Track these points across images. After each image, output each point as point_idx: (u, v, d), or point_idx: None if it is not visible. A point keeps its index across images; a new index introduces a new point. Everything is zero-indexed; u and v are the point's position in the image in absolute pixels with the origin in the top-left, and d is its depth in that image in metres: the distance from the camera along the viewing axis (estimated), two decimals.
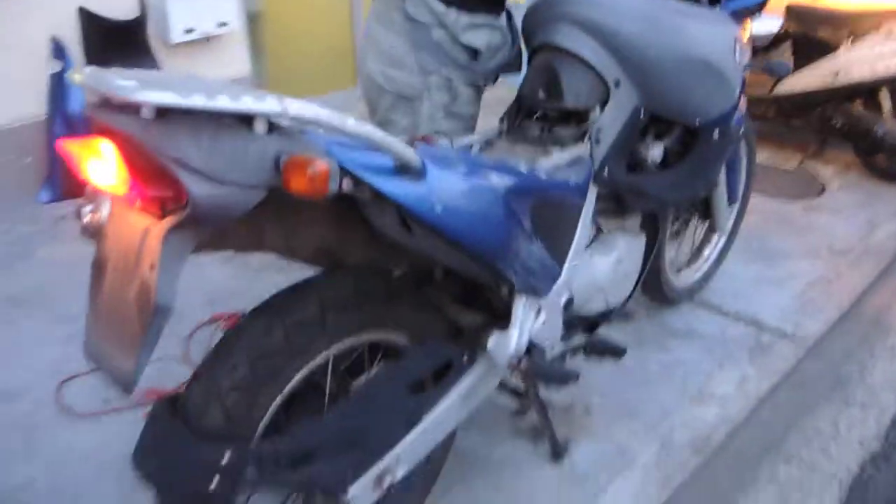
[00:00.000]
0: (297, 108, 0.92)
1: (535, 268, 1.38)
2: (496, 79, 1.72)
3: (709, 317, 2.34)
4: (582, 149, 1.49)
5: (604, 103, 1.52)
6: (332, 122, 0.94)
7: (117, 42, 3.09)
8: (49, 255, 2.68)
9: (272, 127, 0.93)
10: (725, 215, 2.28)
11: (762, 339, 2.22)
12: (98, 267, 1.01)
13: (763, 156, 3.61)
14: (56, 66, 3.01)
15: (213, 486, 1.05)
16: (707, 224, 2.34)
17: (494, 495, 1.65)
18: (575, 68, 1.50)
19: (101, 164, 0.89)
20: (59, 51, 3.01)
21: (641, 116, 1.55)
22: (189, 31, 3.30)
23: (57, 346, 2.15)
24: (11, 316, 2.31)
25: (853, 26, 3.18)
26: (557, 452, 1.74)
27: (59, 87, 3.00)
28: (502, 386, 1.74)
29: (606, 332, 1.78)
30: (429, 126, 1.61)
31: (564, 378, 1.47)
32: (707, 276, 2.42)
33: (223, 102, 0.86)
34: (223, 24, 3.42)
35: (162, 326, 0.93)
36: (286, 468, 1.18)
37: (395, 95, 1.63)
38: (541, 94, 1.52)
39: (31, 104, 3.03)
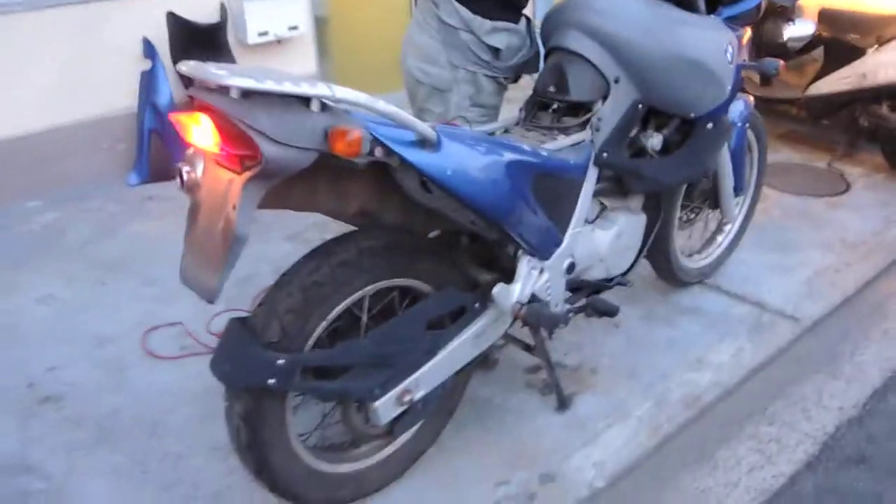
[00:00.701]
0: (342, 92, 1.23)
1: (538, 233, 1.65)
2: (517, 77, 1.99)
3: (716, 297, 2.54)
4: (585, 135, 1.76)
5: (606, 97, 1.77)
6: (367, 103, 1.26)
7: (200, 43, 3.47)
8: (136, 230, 3.03)
9: (324, 106, 1.24)
10: (733, 205, 2.48)
11: (763, 318, 2.41)
12: (193, 210, 1.34)
13: (794, 154, 3.75)
14: (147, 64, 3.42)
15: (269, 383, 1.37)
16: (718, 213, 2.55)
17: (506, 434, 1.93)
18: (580, 67, 1.76)
19: (200, 130, 1.23)
20: (149, 50, 3.42)
21: (639, 109, 1.79)
22: (263, 33, 3.69)
23: (143, 303, 2.48)
24: (105, 278, 2.66)
25: (881, 30, 3.30)
26: (562, 403, 2.00)
27: (149, 82, 3.41)
28: (518, 343, 2.01)
29: (609, 296, 2.02)
30: (457, 114, 1.89)
31: (555, 322, 1.73)
32: (718, 262, 2.62)
33: (288, 87, 1.19)
34: (293, 28, 3.80)
35: (239, 253, 1.25)
36: (327, 378, 1.49)
37: (430, 88, 1.92)
38: (552, 89, 1.80)
39: (122, 97, 3.43)
